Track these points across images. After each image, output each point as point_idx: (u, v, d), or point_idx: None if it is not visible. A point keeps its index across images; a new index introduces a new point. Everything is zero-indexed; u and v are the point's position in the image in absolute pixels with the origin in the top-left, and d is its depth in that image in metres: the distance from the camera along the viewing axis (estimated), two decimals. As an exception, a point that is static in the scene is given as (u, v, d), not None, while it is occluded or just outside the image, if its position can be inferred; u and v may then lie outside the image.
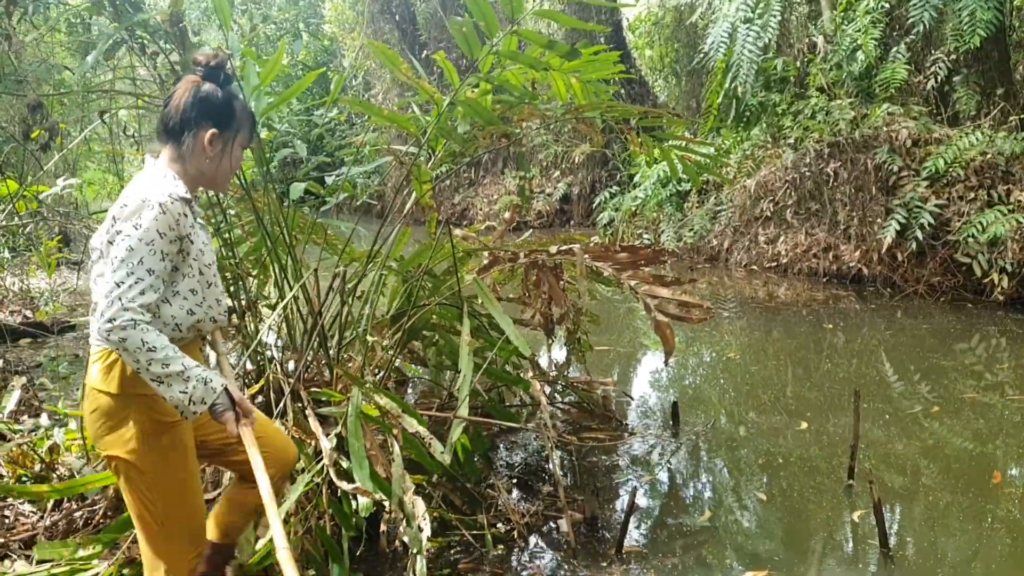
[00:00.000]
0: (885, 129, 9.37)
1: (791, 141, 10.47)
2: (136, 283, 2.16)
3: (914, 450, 4.92)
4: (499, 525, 3.97)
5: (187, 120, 2.36)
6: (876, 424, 5.29)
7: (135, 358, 2.14)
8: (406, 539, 3.09)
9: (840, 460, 4.67)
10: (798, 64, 10.82)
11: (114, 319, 2.12)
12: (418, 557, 3.14)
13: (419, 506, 3.16)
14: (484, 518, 3.90)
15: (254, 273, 4.39)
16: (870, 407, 5.56)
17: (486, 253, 4.92)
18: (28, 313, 9.05)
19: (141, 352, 2.13)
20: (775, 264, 10.65)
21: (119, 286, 2.14)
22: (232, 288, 4.08)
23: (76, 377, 6.61)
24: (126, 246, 2.17)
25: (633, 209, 13.05)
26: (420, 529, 3.12)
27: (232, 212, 4.21)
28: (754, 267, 10.92)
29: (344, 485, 3.11)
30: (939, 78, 9.57)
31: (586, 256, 4.67)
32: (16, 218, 8.58)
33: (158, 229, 2.20)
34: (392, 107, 17.00)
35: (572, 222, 17.00)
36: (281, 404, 3.55)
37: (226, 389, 2.31)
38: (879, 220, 9.38)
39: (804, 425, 5.35)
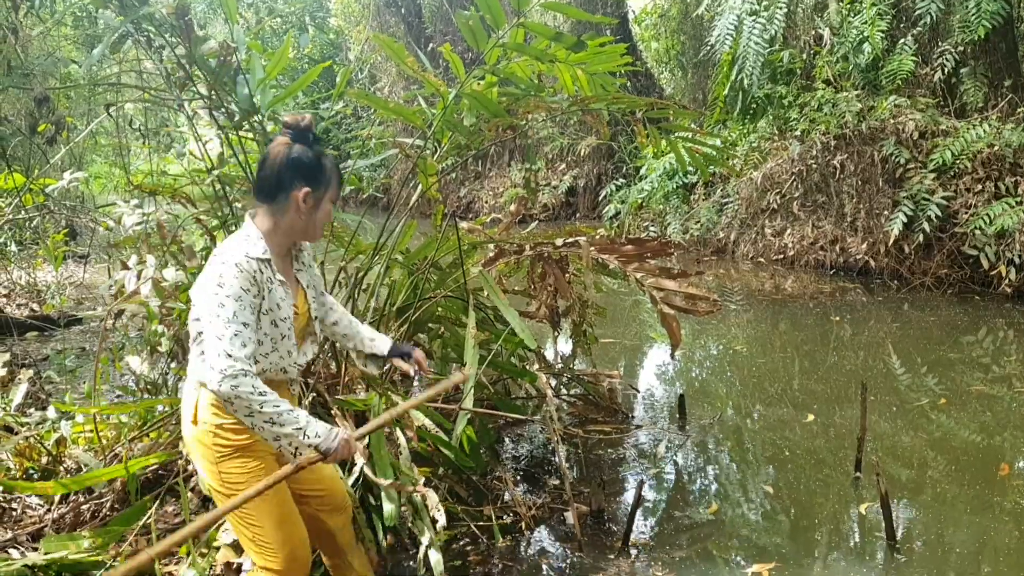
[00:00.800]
0: (892, 121, 9.33)
1: (797, 133, 10.43)
2: (236, 336, 2.32)
3: (921, 442, 4.91)
4: (505, 517, 3.97)
5: (282, 181, 2.48)
6: (883, 416, 5.28)
7: (247, 403, 2.29)
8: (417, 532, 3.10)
9: (847, 453, 4.67)
10: (804, 56, 10.77)
11: (225, 370, 2.27)
12: (431, 550, 3.15)
13: (431, 497, 3.17)
14: (491, 510, 3.90)
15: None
16: (877, 399, 5.55)
17: (492, 246, 4.91)
18: (35, 306, 9.08)
19: (254, 396, 2.29)
20: (782, 256, 10.63)
21: (221, 340, 2.30)
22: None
23: (83, 371, 6.62)
24: (218, 302, 2.33)
25: (639, 201, 13.02)
26: (435, 520, 3.14)
27: (239, 206, 4.20)
28: (761, 259, 10.90)
29: (382, 481, 3.13)
30: (946, 70, 9.53)
31: (592, 248, 4.65)
32: (23, 211, 8.60)
33: (240, 286, 2.36)
34: (398, 100, 16.99)
35: (578, 215, 16.97)
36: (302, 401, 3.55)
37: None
38: (886, 212, 9.35)
39: (811, 417, 5.34)
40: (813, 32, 10.69)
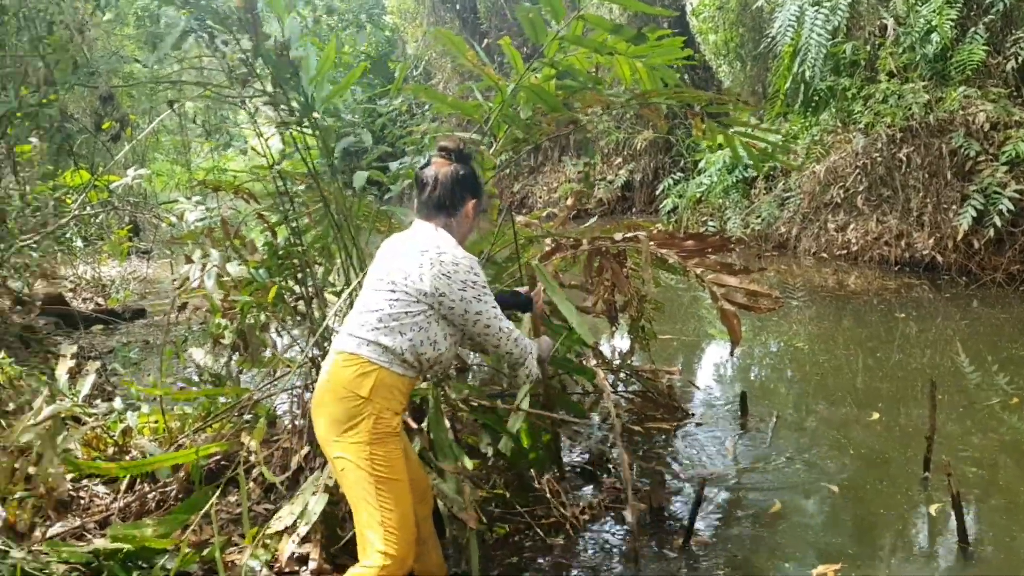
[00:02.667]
0: (961, 113, 9.06)
1: (861, 126, 10.20)
2: (503, 319, 2.88)
3: (992, 443, 4.77)
4: (564, 512, 3.94)
5: (455, 196, 2.90)
6: (951, 416, 5.13)
7: (528, 370, 3.00)
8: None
9: (913, 452, 4.54)
10: (868, 47, 10.52)
11: (511, 351, 2.92)
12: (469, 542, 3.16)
13: (467, 491, 3.20)
14: (552, 503, 3.88)
15: (320, 260, 4.41)
16: (945, 399, 5.39)
17: (548, 240, 4.87)
18: (100, 300, 9.29)
19: (531, 360, 2.98)
20: (845, 252, 10.41)
21: (501, 329, 2.86)
22: (299, 275, 4.11)
23: (146, 363, 6.75)
24: (475, 295, 2.79)
25: (698, 196, 12.86)
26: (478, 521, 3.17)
27: (299, 201, 4.23)
28: (823, 255, 10.69)
29: (445, 465, 3.15)
30: (1020, 59, 9.21)
31: (651, 243, 4.60)
32: (88, 207, 8.79)
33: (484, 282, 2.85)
34: (453, 96, 16.99)
35: (634, 209, 16.84)
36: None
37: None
38: (954, 207, 9.09)
39: (875, 416, 5.22)
40: (878, 23, 10.44)
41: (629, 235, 4.66)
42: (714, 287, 4.49)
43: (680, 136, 15.66)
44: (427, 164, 2.98)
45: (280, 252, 4.06)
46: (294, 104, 3.84)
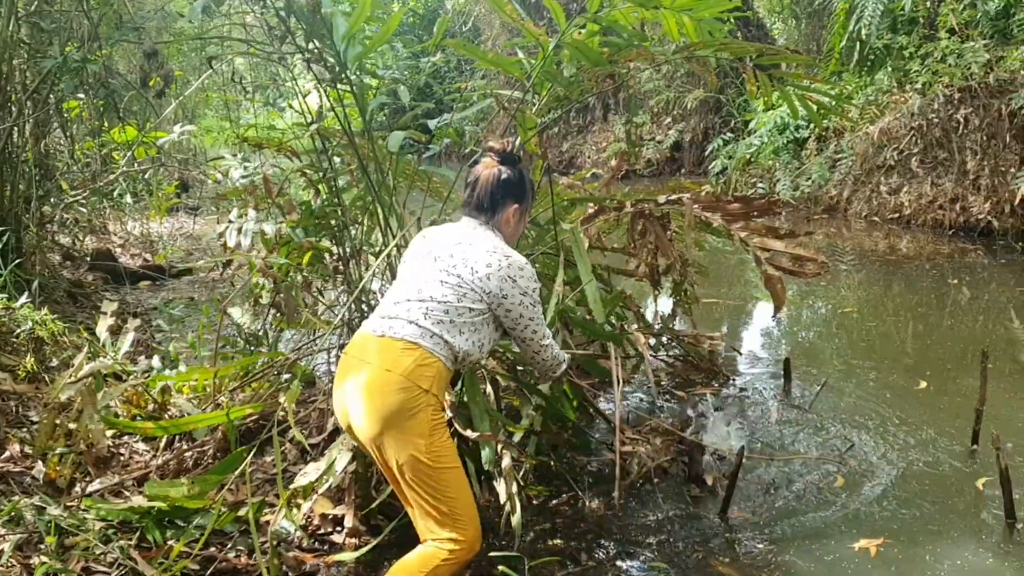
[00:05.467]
0: (1023, 73, 8.72)
1: (918, 86, 9.88)
2: (547, 329, 3.00)
3: (1045, 416, 4.62)
4: (600, 479, 3.90)
5: (496, 200, 2.92)
6: (1003, 387, 4.98)
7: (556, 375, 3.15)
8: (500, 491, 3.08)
9: (962, 423, 4.41)
10: (928, 4, 10.16)
11: (545, 360, 3.04)
12: (515, 510, 3.12)
13: (506, 461, 3.16)
14: (591, 465, 3.84)
15: (360, 220, 4.38)
16: (996, 368, 5.22)
17: (591, 203, 4.79)
18: (148, 256, 9.39)
19: (561, 369, 3.12)
20: (897, 216, 10.15)
21: (545, 336, 2.98)
22: (338, 235, 4.08)
23: (191, 320, 6.81)
24: (531, 301, 2.85)
25: (747, 157, 12.60)
26: (514, 480, 3.13)
27: (339, 160, 4.19)
28: (875, 218, 10.43)
29: (470, 433, 3.13)
30: (1086, 16, 8.84)
31: (696, 206, 4.49)
32: (136, 164, 8.87)
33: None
34: (501, 53, 16.81)
35: (683, 170, 16.59)
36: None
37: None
38: (1012, 170, 8.79)
39: (923, 384, 5.09)
40: (938, -22, 10.06)
41: (673, 197, 4.56)
42: (758, 251, 4.38)
43: (731, 95, 15.35)
44: (475, 162, 3.03)
45: (316, 211, 4.03)
46: (330, 61, 3.79)
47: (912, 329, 6.47)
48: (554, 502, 3.77)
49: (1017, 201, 8.56)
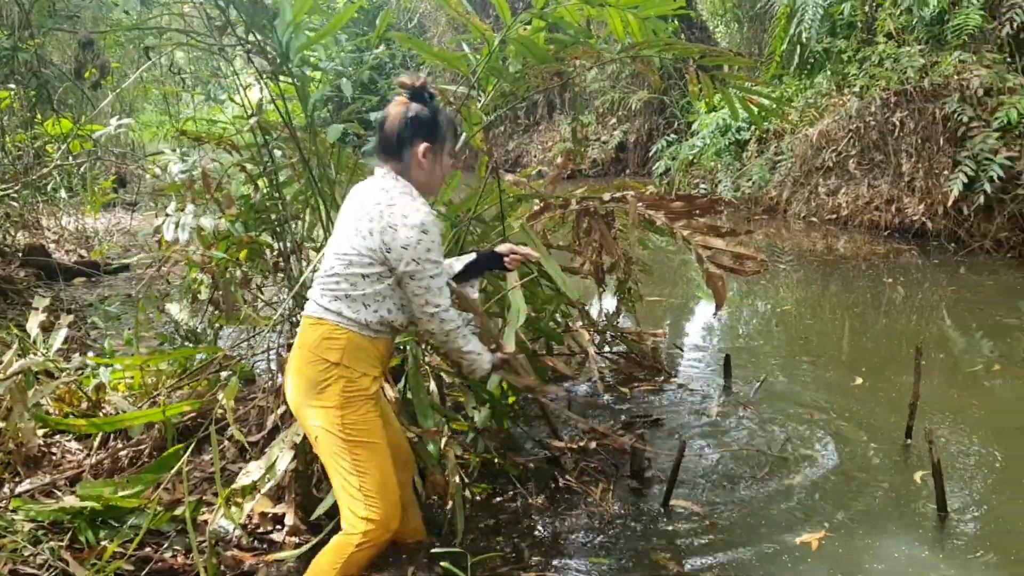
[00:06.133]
0: (956, 78, 8.93)
1: (856, 89, 10.07)
2: (443, 295, 2.69)
3: (975, 410, 4.73)
4: (543, 477, 3.90)
5: (403, 139, 2.67)
6: (935, 383, 5.09)
7: (472, 366, 2.86)
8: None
9: (897, 419, 4.50)
10: (866, 8, 10.36)
11: (434, 332, 2.72)
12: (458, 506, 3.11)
13: (450, 457, 3.16)
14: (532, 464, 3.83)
15: (302, 215, 4.31)
16: (928, 364, 5.35)
17: (537, 199, 4.78)
18: (83, 252, 9.16)
19: (475, 359, 2.85)
20: (835, 216, 10.34)
21: (432, 303, 2.65)
22: (279, 230, 4.02)
23: (126, 317, 6.66)
24: (413, 255, 2.57)
25: (690, 158, 12.75)
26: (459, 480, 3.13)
27: (280, 153, 4.12)
28: (813, 219, 10.62)
29: (413, 430, 3.11)
30: (1015, 24, 9.06)
31: (640, 204, 4.52)
32: (71, 158, 8.64)
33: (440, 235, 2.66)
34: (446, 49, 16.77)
35: (628, 171, 16.71)
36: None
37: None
38: (946, 172, 8.99)
39: (859, 380, 5.19)
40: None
41: (618, 195, 4.58)
42: (700, 249, 4.42)
43: (675, 97, 15.50)
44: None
45: (256, 205, 3.96)
46: (271, 53, 3.73)
47: (848, 327, 6.60)
48: (497, 499, 3.76)
49: (950, 203, 8.76)
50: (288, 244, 4.00)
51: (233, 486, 3.07)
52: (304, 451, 3.24)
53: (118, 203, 12.04)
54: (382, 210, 2.59)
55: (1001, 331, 6.29)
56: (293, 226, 4.05)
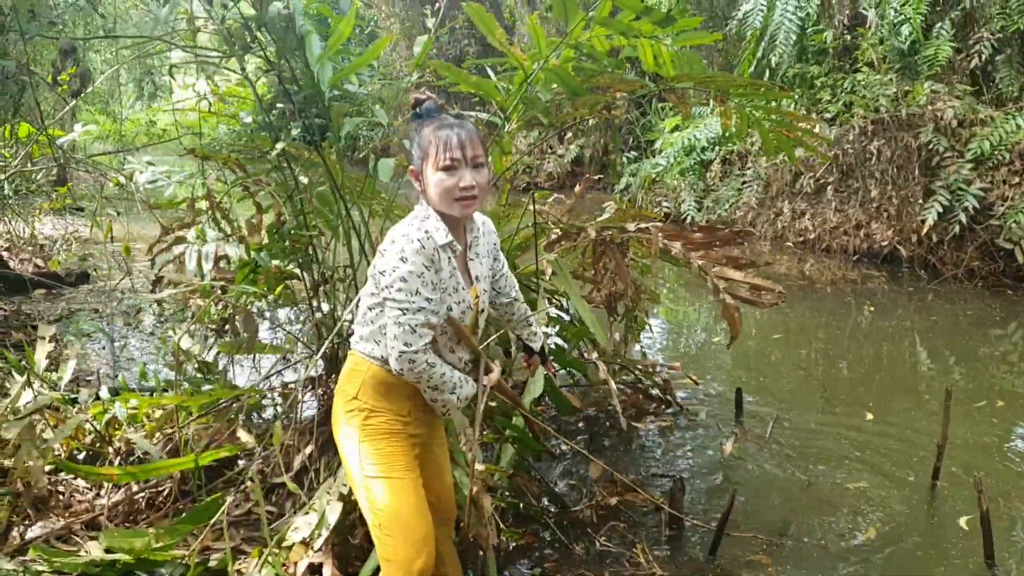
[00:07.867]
0: (930, 108, 9.09)
1: (828, 116, 10.17)
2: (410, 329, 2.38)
3: (993, 450, 4.74)
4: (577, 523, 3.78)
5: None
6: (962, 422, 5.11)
7: (444, 401, 2.51)
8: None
9: (916, 460, 4.49)
10: (840, 36, 10.49)
11: (391, 360, 2.41)
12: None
13: (486, 506, 3.03)
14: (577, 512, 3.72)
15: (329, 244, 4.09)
16: (932, 396, 5.37)
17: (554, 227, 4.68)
18: (39, 262, 8.75)
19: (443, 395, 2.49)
20: (802, 240, 10.43)
21: (395, 335, 2.36)
22: (305, 259, 3.84)
23: (97, 335, 6.36)
24: (388, 282, 2.36)
25: (653, 176, 12.77)
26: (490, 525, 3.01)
27: (304, 180, 3.92)
28: (787, 243, 10.69)
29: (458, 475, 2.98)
30: (983, 57, 9.27)
31: (660, 235, 4.44)
32: (30, 163, 8.25)
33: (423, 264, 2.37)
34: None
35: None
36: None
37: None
38: (920, 201, 9.13)
39: (869, 417, 5.17)
40: (847, 12, 10.41)
41: (643, 226, 4.49)
42: (717, 280, 4.35)
43: (634, 115, 15.53)
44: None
45: (283, 234, 3.77)
46: (298, 75, 3.56)
47: (845, 358, 6.58)
48: (536, 544, 3.63)
49: (924, 231, 8.90)
50: (315, 276, 3.81)
51: (285, 544, 2.89)
52: (345, 501, 3.07)
53: (68, 208, 11.55)
54: (388, 236, 2.46)
55: (995, 362, 6.37)
56: (318, 255, 3.86)
